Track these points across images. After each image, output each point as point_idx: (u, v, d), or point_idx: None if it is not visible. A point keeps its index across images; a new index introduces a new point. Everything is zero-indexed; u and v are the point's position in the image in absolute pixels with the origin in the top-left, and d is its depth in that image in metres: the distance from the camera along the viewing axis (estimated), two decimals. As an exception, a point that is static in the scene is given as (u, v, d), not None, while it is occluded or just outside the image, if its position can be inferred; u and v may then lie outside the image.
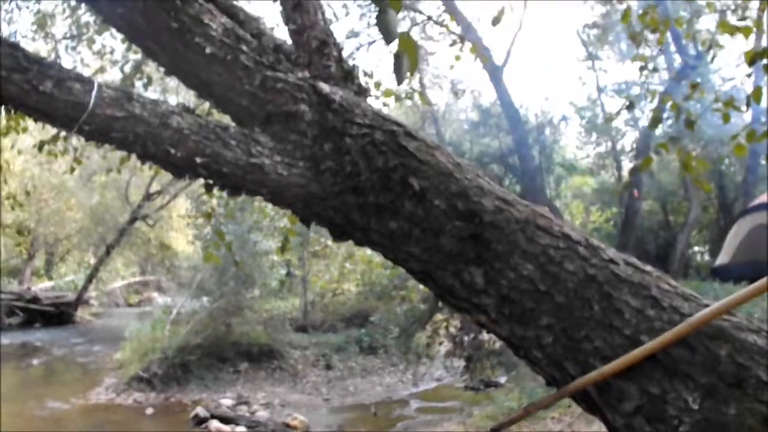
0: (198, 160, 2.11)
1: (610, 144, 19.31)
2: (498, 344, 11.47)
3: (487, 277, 1.98)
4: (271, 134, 2.24)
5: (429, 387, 13.85)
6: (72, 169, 5.63)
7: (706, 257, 19.17)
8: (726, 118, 5.08)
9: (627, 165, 18.28)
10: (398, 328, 12.70)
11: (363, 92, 2.51)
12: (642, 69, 4.62)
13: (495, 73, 14.70)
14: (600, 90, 18.49)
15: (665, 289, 1.86)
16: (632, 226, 15.16)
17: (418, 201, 2.06)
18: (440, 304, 11.33)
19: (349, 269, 18.12)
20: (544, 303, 1.91)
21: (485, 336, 11.67)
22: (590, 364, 1.85)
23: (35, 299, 22.31)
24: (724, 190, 18.36)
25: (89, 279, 24.18)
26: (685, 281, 11.94)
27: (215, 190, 2.29)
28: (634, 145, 17.71)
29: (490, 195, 2.04)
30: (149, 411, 12.45)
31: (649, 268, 1.93)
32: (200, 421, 11.29)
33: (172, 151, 2.10)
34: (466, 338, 11.73)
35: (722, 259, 13.76)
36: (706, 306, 1.84)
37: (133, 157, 2.25)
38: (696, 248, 19.82)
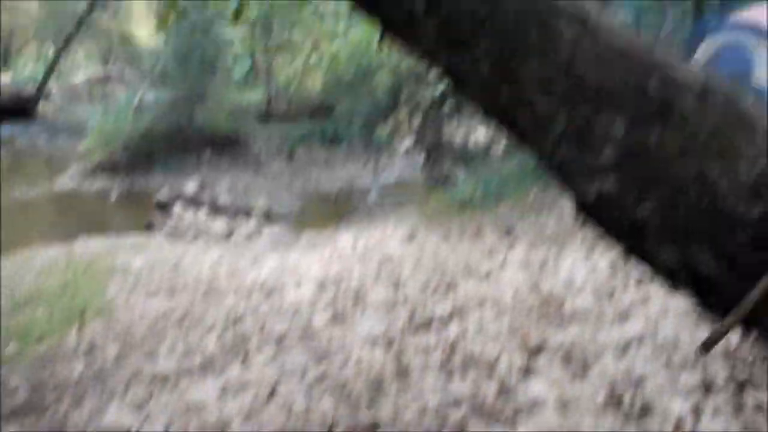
0: None
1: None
2: (458, 140, 11.64)
3: (428, 4, 1.96)
4: None
5: (389, 180, 14.13)
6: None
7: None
8: None
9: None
10: (361, 120, 12.74)
11: None
12: None
13: None
14: None
15: (603, 24, 1.88)
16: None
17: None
18: (402, 98, 11.39)
19: (315, 61, 17.82)
20: (483, 30, 1.91)
21: (446, 132, 11.80)
22: (523, 88, 1.88)
23: (-6, 94, 21.78)
24: (701, 7, 17.95)
25: (49, 71, 23.56)
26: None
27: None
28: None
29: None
30: (113, 197, 12.61)
31: (590, 1, 1.93)
32: (162, 205, 11.50)
33: None
34: (427, 133, 11.84)
35: None
36: (643, 42, 1.86)
37: None
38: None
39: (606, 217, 1.88)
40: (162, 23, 4.74)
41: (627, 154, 1.77)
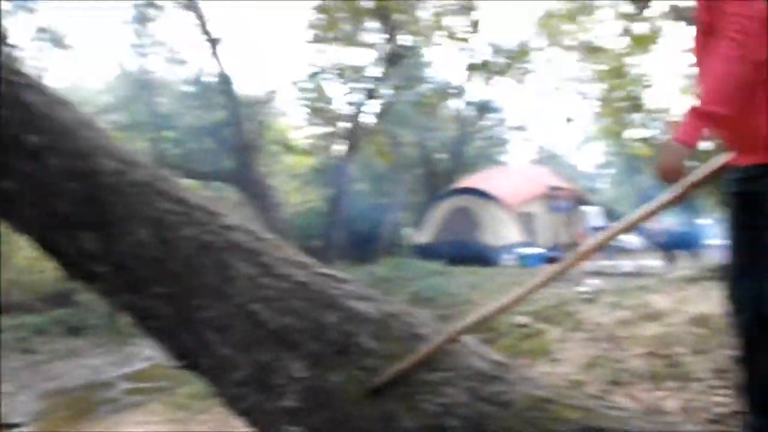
0: None
1: (330, 126, 19.70)
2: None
3: (103, 243, 1.86)
4: None
5: (139, 367, 13.26)
6: None
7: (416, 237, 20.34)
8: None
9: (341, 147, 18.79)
10: (105, 307, 12.04)
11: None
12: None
13: (212, 45, 14.51)
14: (320, 72, 18.75)
15: (280, 257, 1.86)
16: (340, 205, 15.59)
17: (33, 159, 1.88)
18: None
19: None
20: (160, 271, 1.83)
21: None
22: (203, 332, 1.80)
23: None
24: (432, 176, 19.65)
25: None
26: (391, 258, 12.59)
27: None
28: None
29: (112, 156, 1.92)
30: None
31: (268, 236, 1.92)
32: None
33: None
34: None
35: (424, 237, 14.84)
36: (319, 274, 1.87)
37: None
38: (408, 228, 20.92)
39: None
40: None
41: (311, 396, 1.72)
